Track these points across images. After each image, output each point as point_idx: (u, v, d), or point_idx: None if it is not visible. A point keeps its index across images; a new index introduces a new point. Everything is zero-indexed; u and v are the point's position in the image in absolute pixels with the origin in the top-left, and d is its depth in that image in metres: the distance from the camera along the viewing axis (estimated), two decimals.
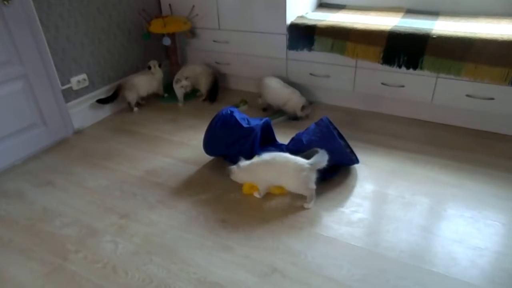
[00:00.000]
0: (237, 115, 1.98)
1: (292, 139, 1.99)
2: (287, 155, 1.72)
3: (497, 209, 1.67)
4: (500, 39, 1.98)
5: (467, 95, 2.17)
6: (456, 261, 1.43)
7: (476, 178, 1.87)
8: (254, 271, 1.43)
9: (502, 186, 1.80)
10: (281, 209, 1.73)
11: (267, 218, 1.69)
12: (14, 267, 1.51)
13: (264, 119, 1.99)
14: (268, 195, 1.80)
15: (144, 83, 2.71)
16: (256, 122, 1.96)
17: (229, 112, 1.98)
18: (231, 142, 1.94)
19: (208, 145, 2.00)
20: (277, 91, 2.49)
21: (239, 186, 1.84)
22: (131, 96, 2.68)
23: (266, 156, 1.73)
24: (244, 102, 2.70)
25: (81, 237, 1.64)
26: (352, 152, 1.97)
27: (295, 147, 1.92)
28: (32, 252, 1.57)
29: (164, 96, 2.90)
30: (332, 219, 1.66)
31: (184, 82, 2.64)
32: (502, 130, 2.22)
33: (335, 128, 1.95)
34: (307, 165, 1.66)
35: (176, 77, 2.68)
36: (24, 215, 1.79)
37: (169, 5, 2.83)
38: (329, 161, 1.88)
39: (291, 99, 2.44)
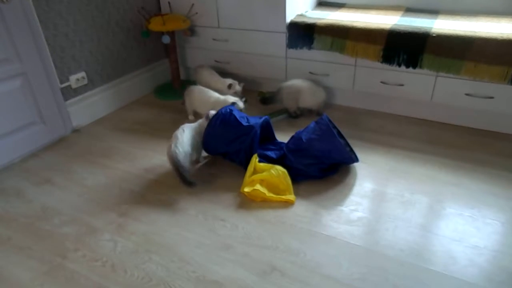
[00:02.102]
0: (237, 113, 1.98)
1: (292, 138, 1.99)
2: (182, 132, 1.88)
3: (496, 207, 1.67)
4: (500, 38, 1.98)
5: (467, 94, 2.17)
6: (455, 260, 1.43)
7: (475, 176, 1.87)
8: (254, 269, 1.43)
9: (501, 185, 1.80)
10: (280, 208, 1.73)
11: (266, 217, 1.69)
12: (13, 265, 1.51)
13: (263, 118, 1.99)
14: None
15: (197, 100, 2.43)
16: (255, 120, 1.96)
17: (228, 110, 1.98)
18: (231, 140, 1.94)
19: (208, 143, 2.00)
20: (314, 89, 2.46)
21: (238, 185, 1.84)
22: (187, 102, 2.49)
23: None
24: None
25: (80, 236, 1.63)
26: (351, 150, 1.97)
27: (295, 146, 1.92)
28: (31, 251, 1.57)
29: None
30: (332, 218, 1.66)
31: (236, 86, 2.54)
32: (502, 129, 2.23)
33: (335, 127, 1.95)
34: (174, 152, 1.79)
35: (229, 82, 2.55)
36: (22, 213, 1.78)
37: (168, 3, 2.82)
38: (328, 159, 1.89)
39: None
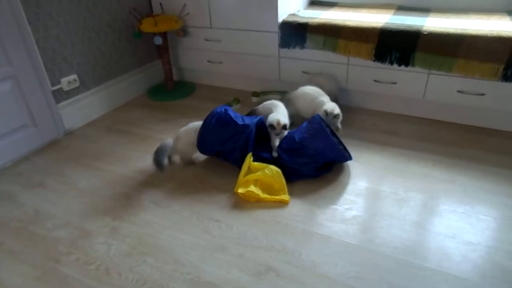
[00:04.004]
0: (231, 113, 1.97)
1: (285, 138, 1.99)
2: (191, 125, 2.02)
3: (489, 204, 1.68)
4: (490, 35, 1.99)
5: (459, 91, 2.19)
6: (449, 256, 1.44)
7: (468, 173, 1.88)
8: (249, 270, 1.43)
9: (494, 181, 1.81)
10: (275, 208, 1.73)
11: (261, 217, 1.68)
12: (5, 270, 1.49)
13: (258, 117, 1.99)
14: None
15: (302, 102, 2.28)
16: (251, 120, 1.96)
17: (223, 110, 1.98)
18: (226, 139, 1.93)
19: (203, 143, 1.99)
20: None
21: (232, 185, 1.84)
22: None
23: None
24: (237, 100, 2.70)
25: (73, 239, 1.62)
26: (345, 149, 1.98)
27: (288, 145, 1.92)
28: (24, 255, 1.55)
29: None
30: (326, 217, 1.66)
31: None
32: (494, 125, 2.24)
33: (328, 126, 1.96)
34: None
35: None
36: (15, 217, 1.76)
37: (160, 3, 2.81)
38: (322, 158, 1.89)
39: None
